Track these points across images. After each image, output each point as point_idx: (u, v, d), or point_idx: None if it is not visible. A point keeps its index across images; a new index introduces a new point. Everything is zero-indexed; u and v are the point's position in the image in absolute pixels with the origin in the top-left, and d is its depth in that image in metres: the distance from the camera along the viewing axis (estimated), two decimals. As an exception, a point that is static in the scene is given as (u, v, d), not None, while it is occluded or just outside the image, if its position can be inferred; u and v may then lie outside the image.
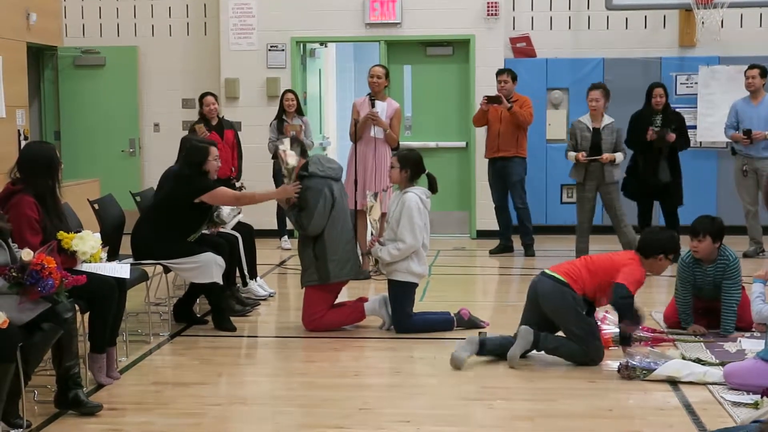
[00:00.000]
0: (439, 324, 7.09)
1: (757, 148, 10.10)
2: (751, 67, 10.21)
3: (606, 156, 9.39)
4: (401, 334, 6.99)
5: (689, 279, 6.89)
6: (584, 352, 6.08)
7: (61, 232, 5.48)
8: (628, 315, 6.13)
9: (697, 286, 6.90)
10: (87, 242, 5.50)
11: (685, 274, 6.91)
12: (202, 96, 10.46)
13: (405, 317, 7.01)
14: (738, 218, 10.48)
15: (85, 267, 5.54)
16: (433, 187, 7.17)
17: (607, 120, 9.45)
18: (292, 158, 7.06)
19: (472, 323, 7.12)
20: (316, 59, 13.18)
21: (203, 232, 7.41)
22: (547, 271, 6.27)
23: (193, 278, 7.09)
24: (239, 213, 7.89)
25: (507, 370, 6.09)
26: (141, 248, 7.03)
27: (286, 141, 7.22)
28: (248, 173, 10.92)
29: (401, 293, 7.02)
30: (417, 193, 6.99)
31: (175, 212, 7.01)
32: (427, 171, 7.20)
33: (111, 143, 12.50)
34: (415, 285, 7.12)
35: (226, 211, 7.62)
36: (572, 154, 9.69)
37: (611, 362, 6.11)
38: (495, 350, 6.21)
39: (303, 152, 7.24)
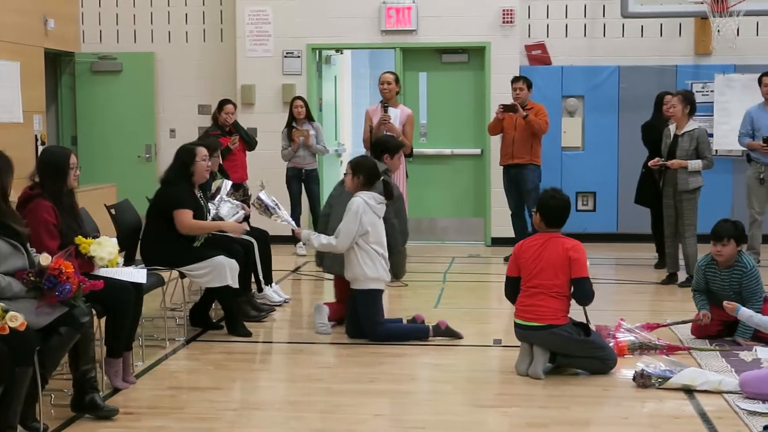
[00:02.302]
0: (413, 333, 7.04)
1: None
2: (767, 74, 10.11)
3: (673, 162, 9.15)
4: (375, 341, 6.94)
5: (703, 280, 6.93)
6: (599, 364, 6.11)
7: (80, 237, 5.51)
8: (591, 301, 6.17)
9: (713, 291, 6.88)
10: (105, 248, 5.53)
11: (698, 277, 6.98)
12: (224, 102, 10.51)
13: (375, 325, 6.95)
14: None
15: (102, 272, 5.57)
16: (388, 193, 7.15)
17: (689, 126, 9.17)
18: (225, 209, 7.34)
19: (449, 332, 7.03)
20: (331, 66, 13.20)
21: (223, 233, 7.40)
22: (520, 322, 6.11)
23: (207, 283, 7.07)
24: (237, 213, 7.78)
25: (521, 376, 6.09)
26: (149, 255, 7.00)
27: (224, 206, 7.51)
28: (263, 178, 10.94)
29: (366, 301, 6.95)
30: (364, 198, 6.93)
31: (166, 217, 6.96)
32: (382, 178, 7.22)
33: (127, 149, 12.54)
34: (380, 291, 7.05)
35: (224, 210, 7.52)
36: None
37: (626, 370, 6.10)
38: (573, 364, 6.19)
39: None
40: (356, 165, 7.12)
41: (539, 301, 6.06)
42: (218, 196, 7.56)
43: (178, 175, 7.08)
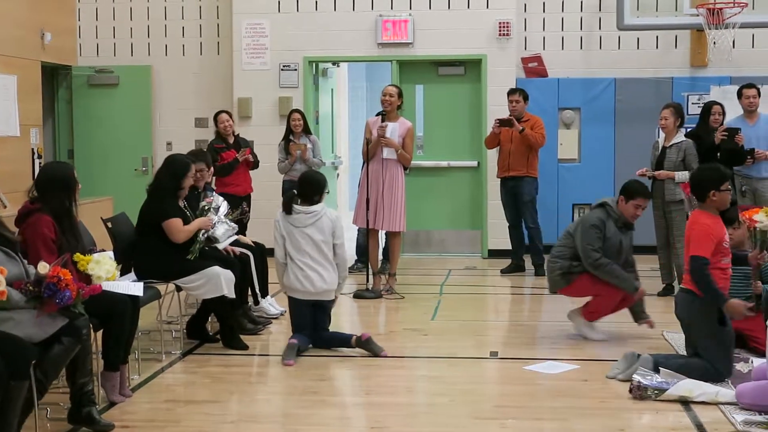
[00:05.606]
0: (336, 341, 7.17)
1: (757, 169, 9.88)
2: (748, 86, 10.00)
3: (660, 173, 9.16)
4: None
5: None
6: (711, 369, 6.00)
7: (78, 254, 5.49)
8: (704, 286, 5.99)
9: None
10: (103, 266, 5.48)
11: None
12: (217, 114, 10.53)
13: (295, 328, 7.16)
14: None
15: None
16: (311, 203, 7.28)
17: (677, 138, 9.25)
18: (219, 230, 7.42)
19: (369, 346, 6.97)
20: (328, 79, 13.24)
21: (216, 246, 7.41)
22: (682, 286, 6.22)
23: (203, 294, 7.03)
24: (235, 233, 7.81)
25: (519, 388, 6.10)
26: (143, 269, 6.90)
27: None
28: (260, 192, 10.96)
29: (290, 307, 7.27)
30: (280, 213, 7.19)
31: (155, 231, 6.92)
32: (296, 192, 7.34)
33: (124, 162, 12.54)
34: (295, 300, 7.11)
35: (219, 231, 7.49)
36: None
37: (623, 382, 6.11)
38: (678, 370, 6.09)
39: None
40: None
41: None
42: (215, 217, 7.51)
43: (164, 186, 7.02)
